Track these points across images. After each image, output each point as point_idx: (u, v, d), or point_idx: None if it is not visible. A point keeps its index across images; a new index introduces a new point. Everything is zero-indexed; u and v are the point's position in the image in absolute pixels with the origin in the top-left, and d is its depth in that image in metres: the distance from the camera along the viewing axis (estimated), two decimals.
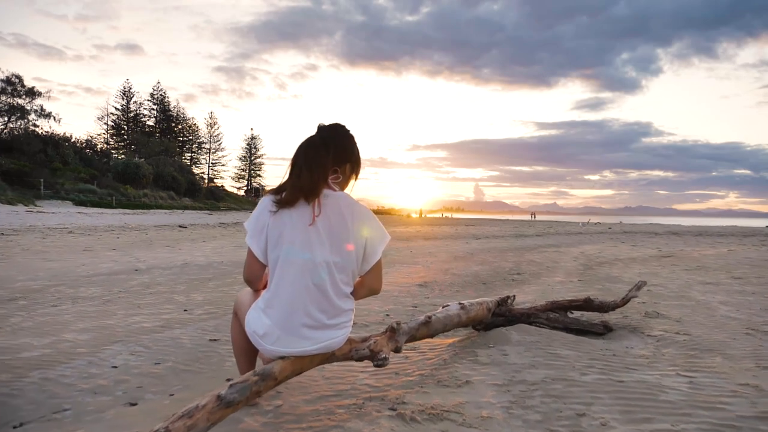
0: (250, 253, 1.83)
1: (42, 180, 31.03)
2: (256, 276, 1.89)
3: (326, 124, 1.92)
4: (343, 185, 1.92)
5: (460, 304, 2.98)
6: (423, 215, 66.17)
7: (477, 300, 3.26)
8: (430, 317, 2.52)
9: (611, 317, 3.90)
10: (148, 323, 3.60)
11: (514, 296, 3.79)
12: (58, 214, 21.45)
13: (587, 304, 3.68)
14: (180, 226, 17.87)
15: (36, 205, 26.29)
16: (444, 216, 72.18)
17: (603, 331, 3.60)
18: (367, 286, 1.95)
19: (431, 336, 2.65)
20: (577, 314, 3.86)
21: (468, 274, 6.88)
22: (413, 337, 2.43)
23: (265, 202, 1.83)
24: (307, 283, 1.78)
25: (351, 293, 1.92)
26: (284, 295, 1.78)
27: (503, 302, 3.63)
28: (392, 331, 2.20)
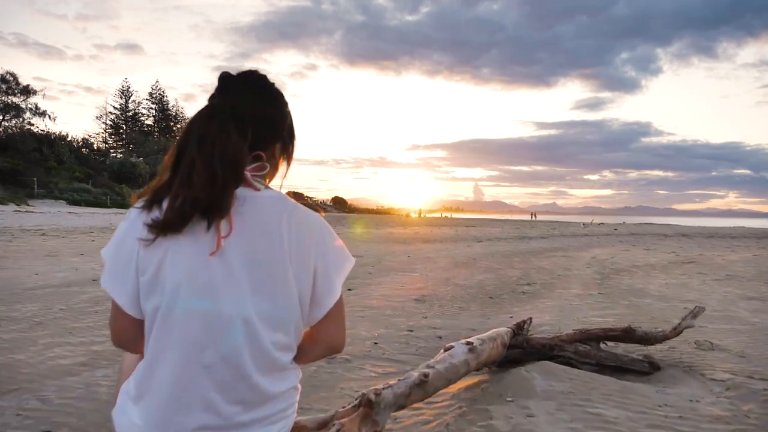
0: (114, 303, 1.06)
1: (35, 179, 30.35)
2: (128, 339, 1.09)
3: (233, 73, 1.10)
4: (270, 177, 1.14)
5: (467, 344, 2.22)
6: (422, 215, 65.35)
7: (488, 335, 2.50)
8: (426, 375, 1.75)
9: (655, 348, 3.14)
10: (68, 359, 2.83)
11: (530, 320, 3.05)
12: (46, 214, 20.64)
13: (627, 335, 2.92)
14: None
15: (28, 205, 25.54)
16: (443, 216, 71.30)
17: (648, 370, 2.84)
18: (321, 342, 1.14)
19: (428, 397, 1.88)
20: (610, 343, 3.11)
21: (472, 285, 6.11)
22: (401, 406, 1.67)
23: (131, 219, 1.01)
24: (207, 356, 1.00)
25: (294, 358, 1.14)
26: (165, 376, 1.01)
27: (519, 329, 2.88)
28: (368, 406, 1.44)
